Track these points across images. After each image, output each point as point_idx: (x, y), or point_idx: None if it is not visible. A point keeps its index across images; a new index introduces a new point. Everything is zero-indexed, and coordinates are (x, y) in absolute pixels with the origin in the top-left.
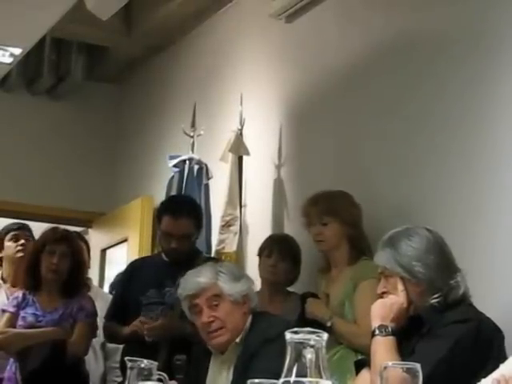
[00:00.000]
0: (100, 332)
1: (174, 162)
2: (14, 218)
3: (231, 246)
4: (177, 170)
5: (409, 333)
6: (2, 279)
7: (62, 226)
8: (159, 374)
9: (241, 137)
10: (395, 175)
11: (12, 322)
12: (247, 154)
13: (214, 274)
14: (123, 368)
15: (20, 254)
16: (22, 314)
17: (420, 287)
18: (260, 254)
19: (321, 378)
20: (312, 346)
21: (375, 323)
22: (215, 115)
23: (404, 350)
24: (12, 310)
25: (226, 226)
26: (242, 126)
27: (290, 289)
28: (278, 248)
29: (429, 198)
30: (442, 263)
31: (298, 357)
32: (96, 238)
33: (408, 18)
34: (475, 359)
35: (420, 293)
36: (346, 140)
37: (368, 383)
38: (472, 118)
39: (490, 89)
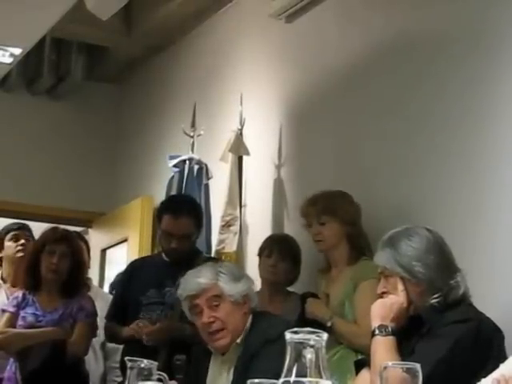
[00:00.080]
0: (100, 332)
1: (174, 162)
2: (13, 217)
3: (231, 246)
4: (177, 169)
5: (409, 333)
6: (2, 279)
7: (62, 226)
8: (159, 374)
9: (241, 137)
10: (395, 175)
11: (12, 322)
12: (247, 154)
13: (214, 275)
14: (123, 368)
15: (20, 254)
16: (21, 313)
17: (420, 287)
18: (260, 253)
19: (321, 378)
20: (312, 346)
21: (375, 323)
22: (215, 115)
23: (404, 350)
24: (12, 309)
25: (226, 225)
26: (242, 126)
27: (290, 289)
28: (278, 248)
29: (429, 198)
30: (441, 263)
31: (298, 357)
32: (96, 238)
33: (408, 17)
34: (475, 359)
35: (420, 293)
36: (346, 140)
37: (368, 383)
38: (472, 117)
39: (490, 88)
